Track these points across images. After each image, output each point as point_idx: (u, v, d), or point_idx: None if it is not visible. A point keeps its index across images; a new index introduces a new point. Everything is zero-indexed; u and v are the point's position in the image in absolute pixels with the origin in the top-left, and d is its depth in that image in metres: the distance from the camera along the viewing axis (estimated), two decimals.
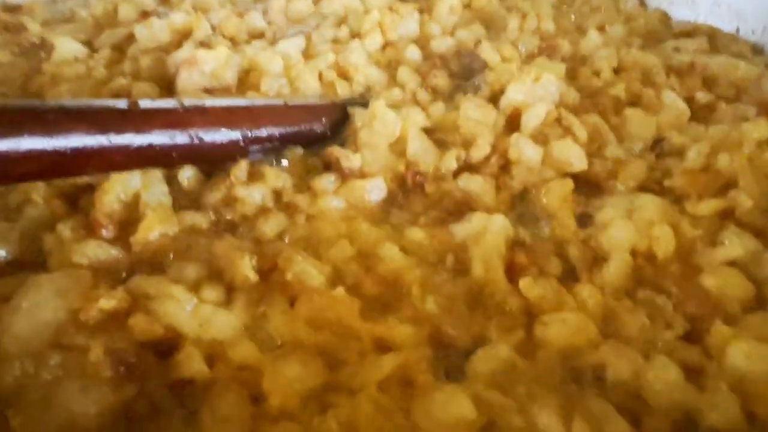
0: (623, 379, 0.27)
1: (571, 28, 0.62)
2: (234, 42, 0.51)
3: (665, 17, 0.72)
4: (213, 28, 0.53)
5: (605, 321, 0.30)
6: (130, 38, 0.50)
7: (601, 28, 0.64)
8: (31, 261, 0.31)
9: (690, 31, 0.66)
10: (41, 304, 0.26)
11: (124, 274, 0.29)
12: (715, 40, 0.65)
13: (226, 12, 0.54)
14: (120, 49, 0.49)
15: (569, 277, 0.32)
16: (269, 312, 0.28)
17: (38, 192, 0.33)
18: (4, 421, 0.22)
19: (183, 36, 0.50)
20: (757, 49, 0.64)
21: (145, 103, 0.32)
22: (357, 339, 0.28)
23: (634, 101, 0.50)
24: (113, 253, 0.30)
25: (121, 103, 0.31)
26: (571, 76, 0.54)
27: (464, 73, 0.52)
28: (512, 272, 0.32)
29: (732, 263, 0.33)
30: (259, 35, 0.53)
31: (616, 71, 0.55)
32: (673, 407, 0.26)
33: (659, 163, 0.43)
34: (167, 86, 0.44)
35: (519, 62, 0.52)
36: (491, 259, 0.31)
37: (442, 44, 0.55)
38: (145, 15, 0.55)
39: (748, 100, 0.52)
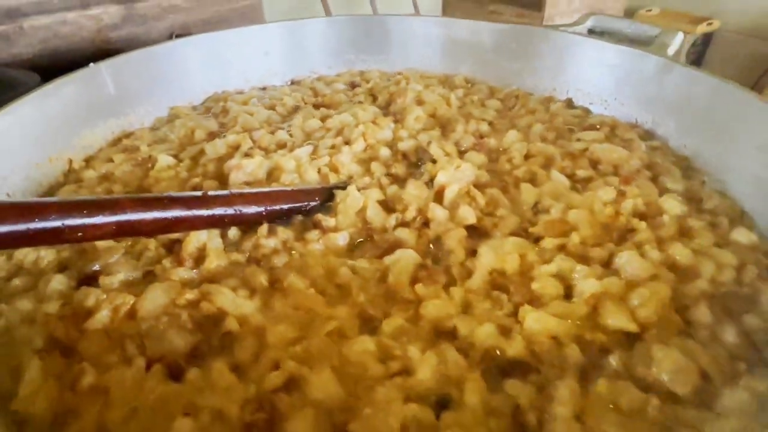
0: (465, 335, 0.47)
1: (503, 128, 0.86)
2: (267, 151, 0.78)
3: (586, 114, 0.94)
4: (253, 142, 0.81)
5: (464, 306, 0.51)
6: (202, 152, 0.77)
7: (528, 126, 0.88)
8: (148, 279, 0.55)
9: (598, 124, 0.88)
10: (158, 296, 0.50)
11: (197, 284, 0.54)
12: (615, 129, 0.86)
13: (263, 132, 0.82)
14: (195, 159, 0.76)
15: (451, 284, 0.54)
16: (272, 302, 0.51)
17: (151, 243, 0.58)
18: (143, 344, 0.46)
19: (234, 149, 0.77)
20: (647, 135, 0.85)
21: (211, 192, 0.57)
22: (319, 316, 0.50)
23: (531, 178, 0.73)
24: (192, 274, 0.55)
25: (198, 193, 0.57)
26: (493, 162, 0.77)
27: (417, 163, 0.77)
28: (414, 282, 0.53)
29: (553, 275, 0.54)
30: (283, 145, 0.80)
31: (526, 158, 0.78)
32: (490, 347, 0.46)
33: (533, 218, 0.64)
34: (224, 181, 0.70)
35: (455, 156, 0.76)
36: (401, 275, 0.53)
37: (406, 144, 0.80)
38: (211, 135, 0.84)
39: (618, 174, 0.74)
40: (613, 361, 0.45)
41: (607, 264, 0.55)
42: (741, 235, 0.59)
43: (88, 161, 0.77)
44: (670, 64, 0.80)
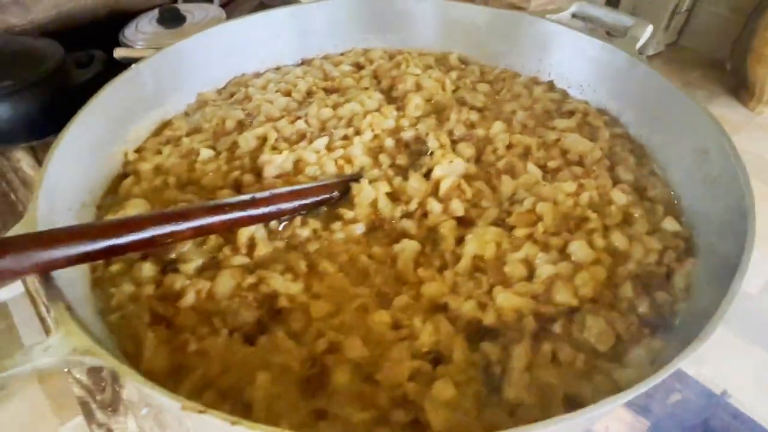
0: (454, 308, 0.65)
1: (491, 116, 0.99)
2: (289, 142, 0.92)
3: (564, 97, 1.07)
4: (277, 132, 0.95)
5: (453, 286, 0.68)
6: (235, 144, 0.91)
7: (512, 113, 1.01)
8: (213, 266, 0.72)
9: (573, 111, 1.02)
10: (227, 281, 0.67)
11: (252, 269, 0.71)
12: (587, 116, 1.00)
13: (284, 122, 0.95)
14: (231, 151, 0.90)
15: (444, 268, 0.72)
16: (311, 283, 0.69)
17: (213, 238, 0.75)
18: (224, 318, 0.64)
19: (262, 141, 0.91)
20: (612, 122, 1.00)
21: (257, 195, 0.73)
22: (347, 293, 0.68)
23: (511, 169, 0.88)
24: (247, 260, 0.72)
25: (248, 197, 0.72)
26: (480, 153, 0.92)
27: (418, 154, 0.91)
28: (416, 266, 0.71)
29: (521, 261, 0.71)
30: (303, 135, 0.94)
31: (508, 147, 0.93)
32: (471, 318, 0.65)
33: (510, 208, 0.81)
34: (259, 173, 0.85)
35: (449, 147, 0.91)
36: (407, 261, 0.71)
37: (407, 134, 0.94)
38: (239, 125, 0.97)
39: (582, 164, 0.89)
40: (557, 327, 0.64)
41: (563, 250, 0.73)
42: (669, 224, 0.76)
43: (139, 152, 0.91)
44: (635, 62, 0.93)
